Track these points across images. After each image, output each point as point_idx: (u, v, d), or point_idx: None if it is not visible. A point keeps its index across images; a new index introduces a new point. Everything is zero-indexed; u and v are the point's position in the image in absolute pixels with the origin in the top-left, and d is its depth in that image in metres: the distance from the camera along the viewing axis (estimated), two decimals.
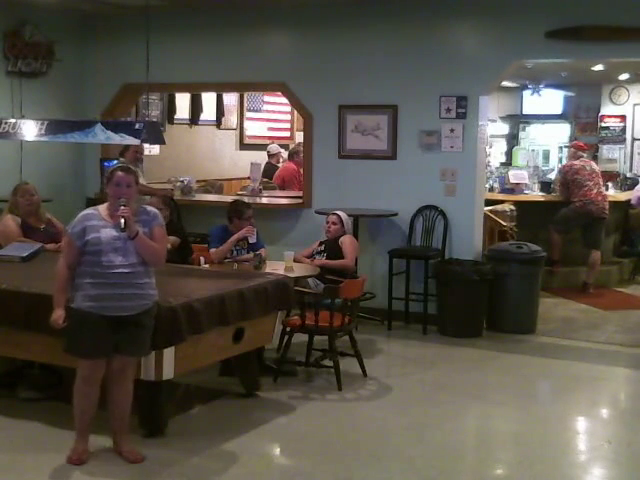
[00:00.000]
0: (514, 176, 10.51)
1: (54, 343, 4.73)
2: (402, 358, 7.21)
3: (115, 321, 4.48)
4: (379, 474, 4.65)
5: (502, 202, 9.67)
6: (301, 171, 9.50)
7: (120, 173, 4.56)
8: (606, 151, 13.92)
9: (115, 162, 8.21)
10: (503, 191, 10.28)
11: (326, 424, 5.43)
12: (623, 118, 14.01)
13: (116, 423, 4.69)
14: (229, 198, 8.65)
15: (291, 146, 12.11)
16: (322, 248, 7.08)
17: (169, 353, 4.79)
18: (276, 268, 6.39)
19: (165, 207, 7.24)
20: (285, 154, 11.92)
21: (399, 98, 7.96)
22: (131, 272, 4.47)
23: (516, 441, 5.29)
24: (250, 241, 6.84)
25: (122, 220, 4.42)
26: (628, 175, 11.88)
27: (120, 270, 4.45)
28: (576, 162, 9.76)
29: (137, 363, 4.70)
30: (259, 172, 10.17)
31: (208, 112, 11.70)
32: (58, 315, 4.47)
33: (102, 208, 4.62)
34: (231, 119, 12.23)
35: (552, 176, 10.89)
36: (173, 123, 11.13)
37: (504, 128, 14.95)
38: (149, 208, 4.75)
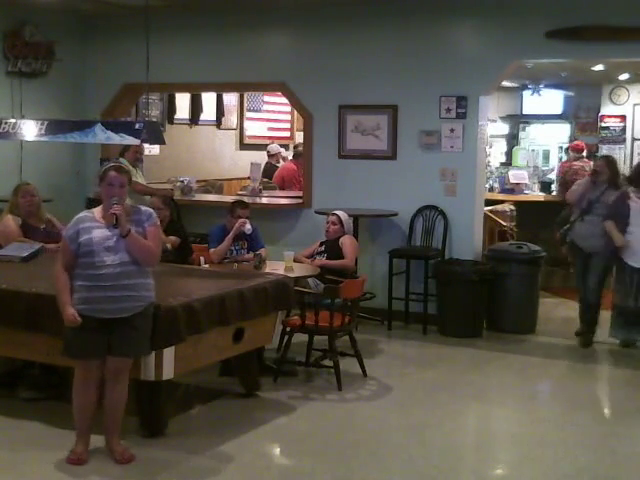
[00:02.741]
0: (514, 176, 10.52)
1: (54, 343, 4.74)
2: (402, 358, 7.21)
3: (109, 322, 4.49)
4: (379, 474, 4.65)
5: (502, 202, 9.67)
6: (301, 171, 9.50)
7: (113, 173, 4.57)
8: (606, 151, 13.88)
9: None
10: (503, 191, 10.29)
11: (326, 424, 5.43)
12: (623, 118, 13.99)
13: (108, 423, 4.69)
14: (229, 198, 8.67)
15: (291, 146, 12.11)
16: (322, 249, 7.08)
17: (169, 353, 4.79)
18: (276, 268, 6.38)
19: (165, 207, 7.24)
20: (285, 154, 11.92)
21: (399, 98, 7.97)
22: (122, 271, 4.47)
23: (516, 441, 5.30)
24: (246, 232, 6.80)
25: (114, 217, 4.44)
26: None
27: (111, 270, 4.45)
28: (575, 162, 9.77)
29: (133, 365, 4.68)
30: (259, 172, 10.17)
31: (208, 112, 11.70)
32: (70, 312, 4.45)
33: (97, 210, 4.64)
34: (231, 119, 12.22)
35: (552, 176, 10.90)
36: (173, 123, 11.13)
37: (504, 128, 14.93)
38: (144, 208, 4.75)
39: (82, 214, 4.65)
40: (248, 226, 6.79)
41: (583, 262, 7.38)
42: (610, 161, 7.45)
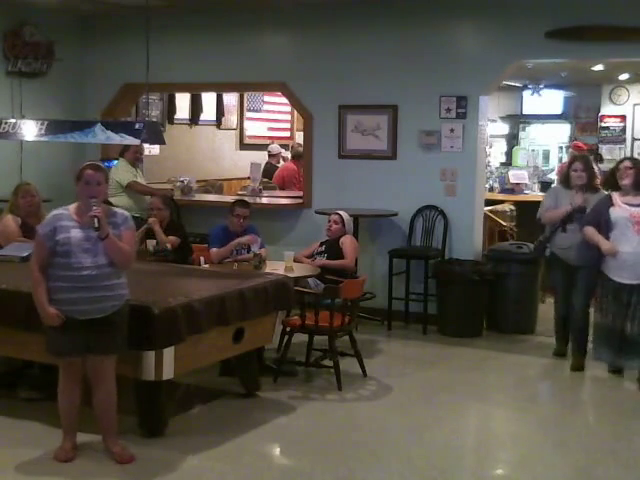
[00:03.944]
0: (514, 176, 10.53)
1: None
2: (402, 358, 7.20)
3: (87, 322, 4.49)
4: (379, 474, 4.65)
5: (502, 202, 9.67)
6: (301, 171, 9.50)
7: (89, 171, 4.53)
8: (606, 151, 13.92)
9: (115, 162, 8.26)
10: (503, 191, 10.29)
11: (326, 424, 5.43)
12: (623, 118, 14.02)
13: (102, 423, 4.69)
14: (229, 198, 8.67)
15: (291, 145, 12.10)
16: (322, 249, 7.08)
17: (169, 353, 4.79)
18: (276, 268, 6.38)
19: (165, 207, 7.25)
20: (285, 154, 11.92)
21: (399, 98, 7.96)
22: (100, 273, 4.47)
23: (516, 441, 5.30)
24: (253, 250, 6.78)
25: (95, 219, 4.41)
26: None
27: (89, 272, 4.44)
28: None
29: (133, 364, 4.68)
30: (259, 172, 10.17)
31: (208, 112, 11.70)
32: (52, 312, 4.46)
33: (72, 208, 4.59)
34: (231, 119, 12.23)
35: (552, 176, 10.90)
36: (173, 123, 11.13)
37: (504, 128, 14.95)
38: (119, 211, 4.72)
39: (58, 211, 4.59)
40: (256, 245, 6.77)
41: (567, 277, 6.67)
42: (587, 164, 6.67)
